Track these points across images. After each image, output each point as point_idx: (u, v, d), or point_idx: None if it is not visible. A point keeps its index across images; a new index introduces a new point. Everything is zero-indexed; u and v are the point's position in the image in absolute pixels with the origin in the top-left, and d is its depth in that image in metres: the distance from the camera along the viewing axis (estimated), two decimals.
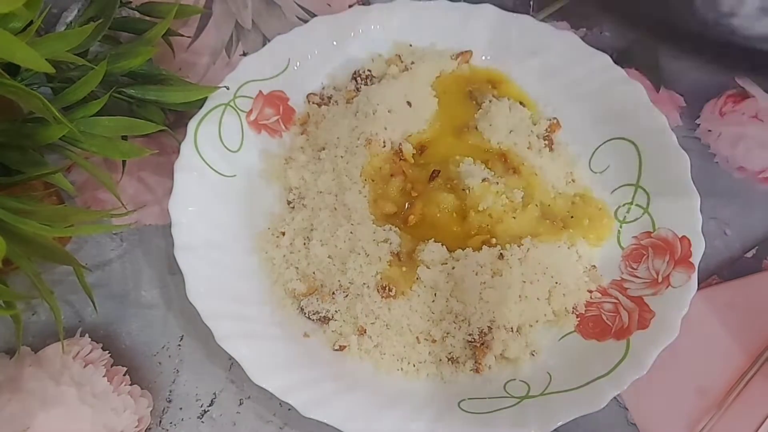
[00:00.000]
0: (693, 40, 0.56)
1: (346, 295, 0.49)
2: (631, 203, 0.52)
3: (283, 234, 0.52)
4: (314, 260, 0.50)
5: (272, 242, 0.52)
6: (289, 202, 0.54)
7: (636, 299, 0.47)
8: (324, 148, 0.54)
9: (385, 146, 0.53)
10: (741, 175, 0.58)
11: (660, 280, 0.47)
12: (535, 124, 0.56)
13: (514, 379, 0.46)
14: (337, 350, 0.48)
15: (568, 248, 0.50)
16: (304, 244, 0.51)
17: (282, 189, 0.55)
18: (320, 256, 0.50)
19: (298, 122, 0.58)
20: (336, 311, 0.49)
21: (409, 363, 0.47)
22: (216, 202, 0.52)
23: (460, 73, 0.58)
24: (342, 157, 0.53)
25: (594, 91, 0.55)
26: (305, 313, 0.49)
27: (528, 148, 0.54)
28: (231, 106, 0.54)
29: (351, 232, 0.50)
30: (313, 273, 0.50)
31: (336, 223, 0.50)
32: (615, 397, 0.43)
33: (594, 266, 0.50)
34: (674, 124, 0.59)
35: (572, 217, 0.52)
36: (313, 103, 0.57)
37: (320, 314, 0.49)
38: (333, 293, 0.49)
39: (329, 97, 0.58)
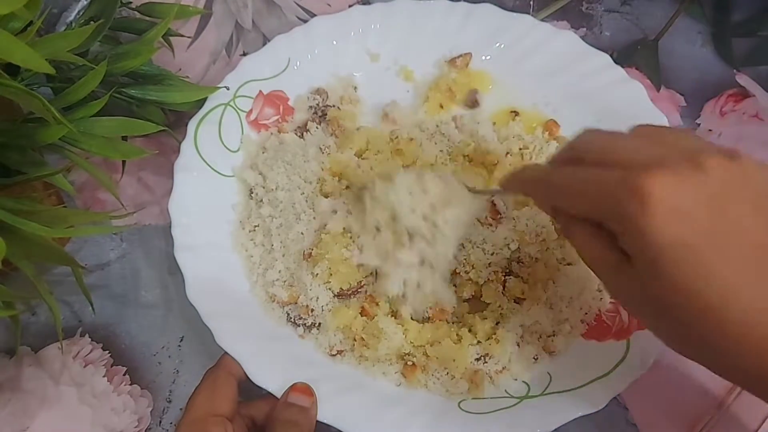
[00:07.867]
0: None
1: (324, 305, 0.47)
2: None
3: (256, 228, 0.51)
4: (281, 268, 0.48)
5: (247, 237, 0.51)
6: (251, 191, 0.52)
7: None
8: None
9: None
10: None
11: None
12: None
13: (515, 379, 0.46)
14: (334, 355, 0.47)
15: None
16: (273, 245, 0.49)
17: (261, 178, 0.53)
18: (285, 263, 0.48)
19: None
20: (320, 321, 0.47)
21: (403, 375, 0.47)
22: (216, 202, 0.52)
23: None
24: (300, 154, 0.51)
25: (594, 91, 0.55)
26: (291, 318, 0.48)
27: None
28: (231, 106, 0.54)
29: (302, 233, 0.48)
30: (285, 281, 0.48)
31: (287, 225, 0.49)
32: (615, 397, 0.43)
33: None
34: (674, 123, 0.59)
35: None
36: (310, 106, 0.56)
37: (306, 321, 0.47)
38: (312, 309, 0.47)
39: (324, 109, 0.56)
